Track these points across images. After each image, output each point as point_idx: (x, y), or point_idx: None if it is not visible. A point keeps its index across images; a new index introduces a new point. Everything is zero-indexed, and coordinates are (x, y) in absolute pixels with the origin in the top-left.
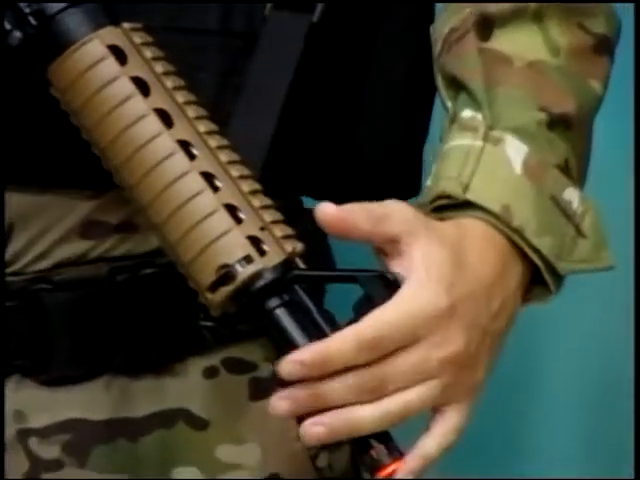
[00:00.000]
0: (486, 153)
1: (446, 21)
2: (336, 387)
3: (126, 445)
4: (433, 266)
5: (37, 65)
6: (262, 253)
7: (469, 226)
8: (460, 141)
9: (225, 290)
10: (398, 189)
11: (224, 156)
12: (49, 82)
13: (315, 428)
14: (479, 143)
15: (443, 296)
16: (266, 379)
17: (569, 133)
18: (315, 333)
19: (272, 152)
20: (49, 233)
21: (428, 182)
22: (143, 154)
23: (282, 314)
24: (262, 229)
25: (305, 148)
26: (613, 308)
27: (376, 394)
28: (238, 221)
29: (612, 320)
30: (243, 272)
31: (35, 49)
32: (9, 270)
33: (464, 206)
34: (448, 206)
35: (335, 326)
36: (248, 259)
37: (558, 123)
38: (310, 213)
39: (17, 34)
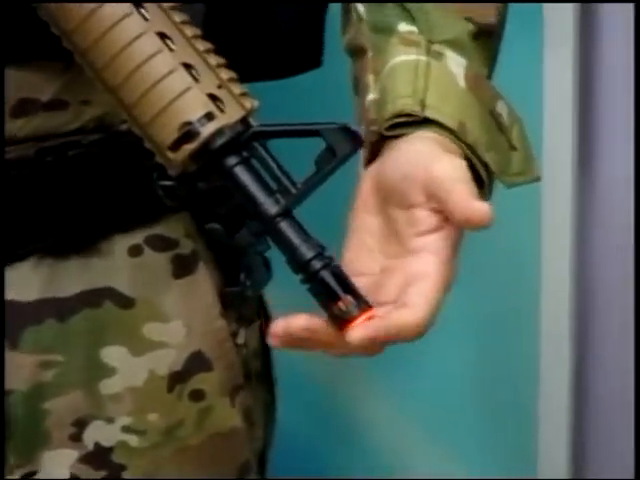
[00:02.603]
0: (433, 68)
1: None
2: None
3: (56, 325)
4: None
5: None
6: (222, 110)
7: (429, 141)
8: (405, 57)
9: (188, 148)
10: (304, 60)
11: (177, 17)
12: None
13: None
14: (424, 58)
15: None
16: (187, 256)
17: (489, 42)
18: (277, 189)
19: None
20: None
21: (371, 96)
22: (98, 16)
23: (242, 171)
24: (220, 87)
25: (229, 23)
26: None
27: None
28: (196, 80)
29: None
30: (205, 129)
31: None
32: None
33: (421, 123)
34: (404, 123)
35: (295, 183)
36: (209, 116)
37: (482, 33)
38: None
39: None
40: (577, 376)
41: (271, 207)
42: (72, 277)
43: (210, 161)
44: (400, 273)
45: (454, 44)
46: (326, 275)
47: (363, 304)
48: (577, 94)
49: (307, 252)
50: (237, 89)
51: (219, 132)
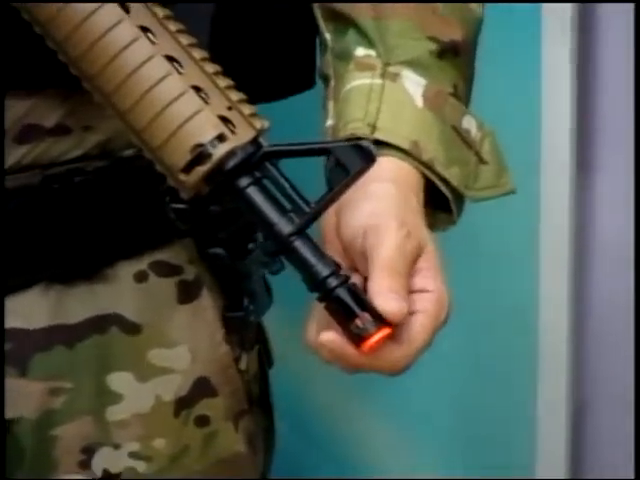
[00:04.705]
0: (387, 90)
1: None
2: None
3: (64, 352)
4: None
5: None
6: (233, 132)
7: (383, 166)
8: (360, 81)
9: (200, 170)
10: (298, 82)
11: (184, 39)
12: None
13: None
14: (378, 81)
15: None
16: (192, 282)
17: (457, 60)
18: (290, 208)
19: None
20: None
21: (328, 122)
22: (106, 41)
23: (255, 192)
24: (230, 108)
25: (232, 48)
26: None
27: None
28: (206, 102)
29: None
30: (218, 150)
31: None
32: None
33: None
34: None
35: (308, 202)
36: (221, 138)
37: (447, 51)
38: None
39: None
40: (575, 379)
41: (285, 226)
42: (79, 303)
43: (222, 183)
44: None
45: (414, 64)
46: (342, 293)
47: (380, 321)
48: (575, 105)
49: (323, 270)
50: (247, 110)
51: (231, 153)
